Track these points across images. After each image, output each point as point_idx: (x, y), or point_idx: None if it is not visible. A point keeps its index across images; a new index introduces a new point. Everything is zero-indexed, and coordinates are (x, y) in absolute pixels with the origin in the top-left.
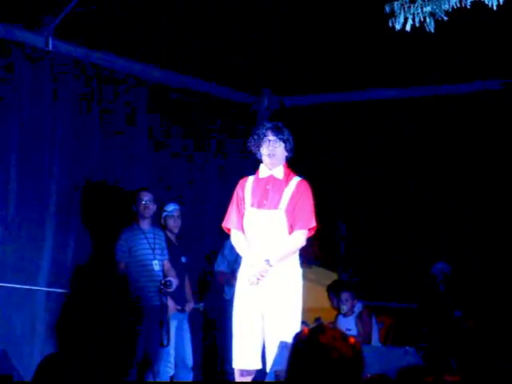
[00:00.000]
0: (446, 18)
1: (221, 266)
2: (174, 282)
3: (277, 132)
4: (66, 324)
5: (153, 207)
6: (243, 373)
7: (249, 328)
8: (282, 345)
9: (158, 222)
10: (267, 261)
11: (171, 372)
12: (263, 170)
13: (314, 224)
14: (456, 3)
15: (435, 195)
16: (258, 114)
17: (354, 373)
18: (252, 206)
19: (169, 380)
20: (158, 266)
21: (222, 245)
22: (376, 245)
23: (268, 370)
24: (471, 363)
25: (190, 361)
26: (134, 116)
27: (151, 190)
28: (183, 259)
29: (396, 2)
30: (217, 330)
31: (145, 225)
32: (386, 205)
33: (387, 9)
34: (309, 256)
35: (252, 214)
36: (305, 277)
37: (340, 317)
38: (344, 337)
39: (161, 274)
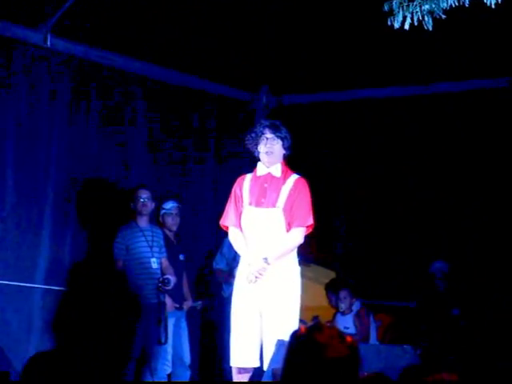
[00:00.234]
0: (444, 17)
1: (219, 264)
2: (172, 279)
3: (274, 130)
4: (63, 322)
5: (151, 205)
6: (240, 371)
7: (247, 326)
8: (280, 343)
9: (156, 219)
10: (265, 259)
11: (169, 370)
12: (261, 168)
13: (311, 221)
14: (454, 2)
15: (434, 193)
16: (256, 112)
17: (350, 371)
18: (250, 204)
19: (166, 378)
20: (155, 264)
21: (221, 243)
22: (374, 243)
23: (265, 368)
24: (469, 361)
25: (187, 359)
26: (131, 113)
27: (149, 187)
28: (181, 257)
29: (394, 1)
30: (215, 328)
31: (143, 222)
32: (385, 203)
33: (386, 7)
34: (307, 254)
35: (250, 212)
36: (303, 275)
37: (338, 315)
38: (341, 335)
39: (159, 271)
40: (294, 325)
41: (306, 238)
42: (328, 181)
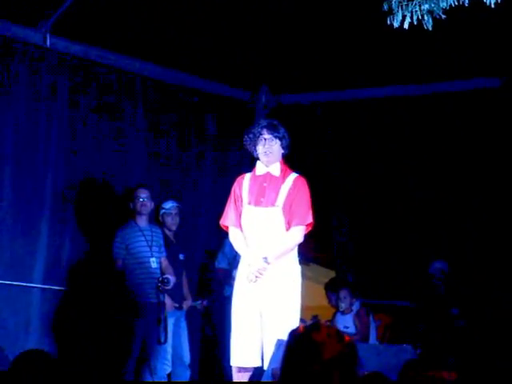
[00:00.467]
0: (443, 16)
1: (221, 263)
2: (172, 279)
3: (272, 130)
4: (63, 321)
5: (150, 204)
6: (240, 370)
7: (247, 326)
8: (280, 343)
9: (156, 219)
10: (265, 258)
11: (168, 369)
12: (260, 167)
13: (311, 220)
14: (454, 1)
15: (433, 193)
16: (255, 112)
17: (348, 371)
18: (249, 203)
19: (166, 377)
20: (155, 264)
21: (223, 242)
22: (374, 243)
23: (266, 367)
24: (468, 361)
25: (187, 358)
26: (130, 113)
27: (148, 187)
28: (181, 256)
29: (394, 0)
30: (216, 328)
31: (142, 222)
32: (384, 203)
33: (385, 6)
34: (307, 254)
35: (249, 211)
36: (303, 275)
37: (338, 314)
38: (339, 334)
39: (158, 271)
40: (294, 324)
41: (306, 236)
42: (327, 180)
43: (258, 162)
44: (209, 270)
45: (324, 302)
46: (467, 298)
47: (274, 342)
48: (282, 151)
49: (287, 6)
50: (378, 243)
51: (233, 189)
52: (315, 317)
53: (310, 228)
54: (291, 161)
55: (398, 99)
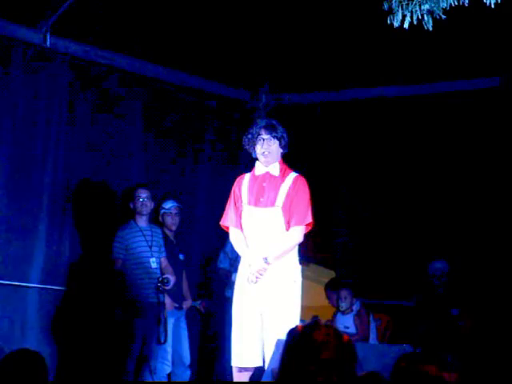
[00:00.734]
0: (443, 17)
1: (223, 263)
2: (172, 279)
3: (270, 130)
4: (62, 322)
5: (150, 204)
6: (241, 370)
7: (247, 326)
8: (280, 343)
9: (156, 219)
10: (265, 259)
11: (168, 369)
12: (259, 167)
13: (310, 219)
14: (454, 1)
15: (433, 193)
16: (255, 111)
17: (347, 370)
18: (249, 203)
19: (166, 377)
20: (155, 264)
21: (224, 242)
22: (374, 242)
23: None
24: (469, 361)
25: (187, 358)
26: (131, 112)
27: (148, 187)
28: (181, 256)
29: (394, 0)
30: (217, 328)
31: (142, 222)
32: (384, 203)
33: (385, 6)
34: (307, 253)
35: (249, 211)
36: (303, 274)
37: (338, 314)
38: (337, 334)
39: (158, 271)
40: (294, 324)
41: (306, 236)
42: (327, 180)
43: (257, 162)
44: (209, 271)
45: (324, 302)
46: (467, 297)
47: (275, 342)
48: (281, 151)
49: (287, 5)
50: (378, 243)
51: (232, 189)
52: (315, 317)
53: (309, 228)
54: (291, 160)
55: (397, 99)
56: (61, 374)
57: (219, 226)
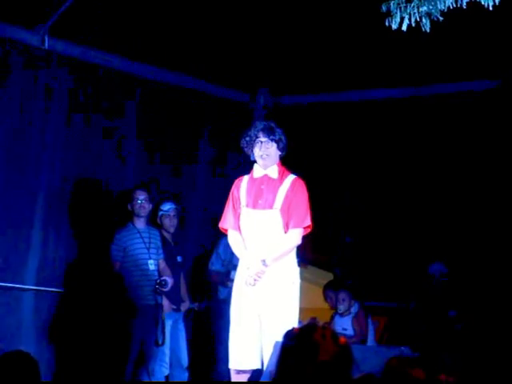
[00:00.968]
0: (441, 19)
1: (215, 265)
2: (170, 281)
3: (268, 133)
4: (60, 324)
5: (148, 206)
6: (239, 372)
7: (245, 328)
8: (278, 345)
9: (154, 220)
10: (263, 261)
11: (166, 371)
12: (257, 170)
13: (309, 222)
14: (452, 3)
15: (432, 195)
16: (254, 113)
17: (343, 371)
18: (247, 206)
19: (164, 379)
20: (153, 266)
21: (217, 244)
22: (373, 244)
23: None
24: (466, 363)
25: (185, 360)
26: (129, 114)
27: (146, 188)
28: (179, 258)
29: (392, 2)
30: (209, 330)
31: (140, 224)
32: (383, 204)
33: (384, 8)
34: (305, 255)
35: (247, 214)
36: (301, 276)
37: (337, 316)
38: (334, 336)
39: (156, 273)
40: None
41: (304, 238)
42: (326, 182)
43: (255, 164)
44: (202, 273)
45: (323, 303)
46: (465, 299)
47: (273, 343)
48: (280, 153)
49: (286, 7)
50: (377, 245)
51: (231, 191)
52: (313, 319)
53: (308, 230)
54: (290, 162)
55: (397, 101)
56: (58, 376)
57: (212, 227)
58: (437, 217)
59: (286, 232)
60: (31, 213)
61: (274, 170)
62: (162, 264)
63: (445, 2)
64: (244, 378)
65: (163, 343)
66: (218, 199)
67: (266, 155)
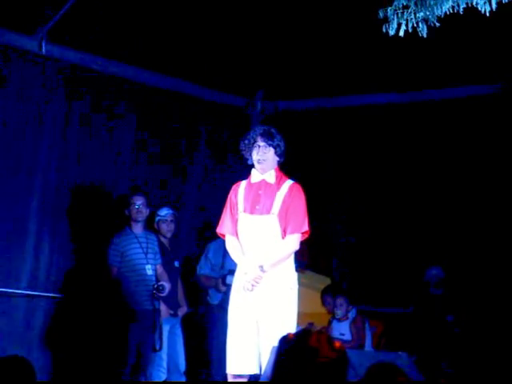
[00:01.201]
0: (438, 24)
1: (203, 269)
2: (167, 286)
3: (267, 138)
4: (57, 329)
5: (145, 211)
6: (236, 377)
7: (243, 333)
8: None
9: (151, 226)
10: (261, 267)
11: (164, 376)
12: (255, 175)
13: (306, 228)
14: (449, 9)
15: (430, 200)
16: (251, 118)
17: (338, 376)
18: (244, 211)
19: None
20: (150, 271)
21: (206, 248)
22: (370, 249)
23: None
24: (463, 368)
25: (182, 365)
26: (125, 119)
27: (143, 193)
28: (176, 263)
29: (389, 8)
30: (201, 335)
31: (137, 229)
32: (380, 209)
33: (381, 14)
34: (303, 260)
35: (245, 219)
36: (299, 282)
37: (334, 321)
38: (329, 340)
39: (153, 278)
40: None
41: (302, 243)
42: (324, 187)
43: (253, 169)
44: (192, 277)
45: (320, 308)
46: (462, 304)
47: (271, 349)
48: (277, 159)
49: (284, 12)
50: (375, 250)
51: (229, 196)
52: (311, 324)
53: (306, 235)
54: (288, 167)
55: (394, 106)
56: (56, 381)
57: (202, 231)
58: (435, 221)
59: (283, 237)
60: (27, 218)
61: (271, 175)
62: (160, 269)
63: (442, 8)
64: (241, 382)
65: (161, 348)
66: (216, 204)
67: (263, 160)
